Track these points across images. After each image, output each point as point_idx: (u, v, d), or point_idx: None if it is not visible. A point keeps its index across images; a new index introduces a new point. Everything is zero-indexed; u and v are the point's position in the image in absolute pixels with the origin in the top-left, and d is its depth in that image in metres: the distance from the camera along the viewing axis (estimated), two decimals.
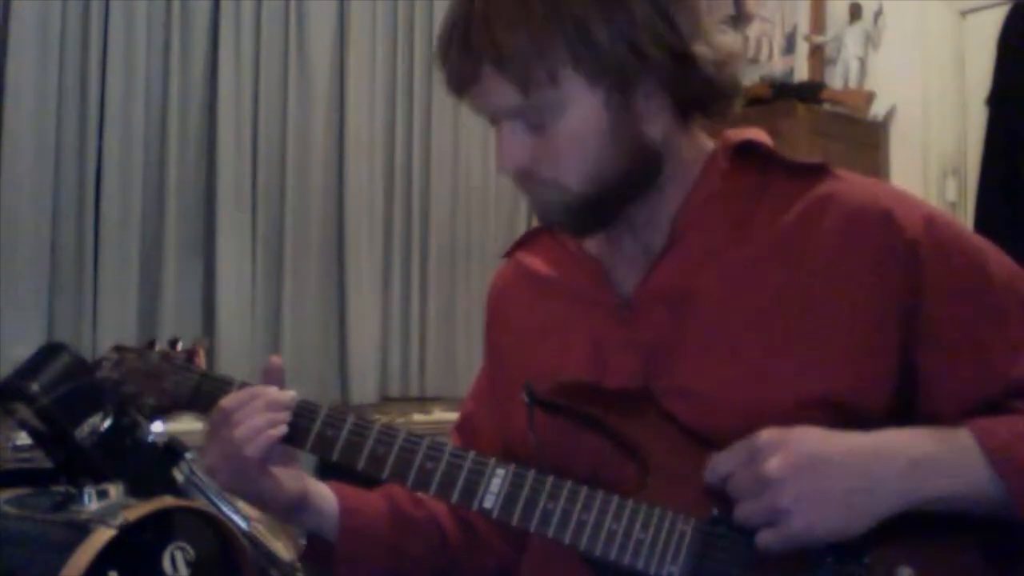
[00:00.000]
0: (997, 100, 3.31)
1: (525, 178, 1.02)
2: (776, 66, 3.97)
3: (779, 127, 3.27)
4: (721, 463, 0.93)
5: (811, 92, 3.66)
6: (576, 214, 1.02)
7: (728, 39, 1.01)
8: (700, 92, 1.02)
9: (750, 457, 0.91)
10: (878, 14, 3.83)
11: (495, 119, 1.01)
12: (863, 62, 3.83)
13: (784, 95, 3.55)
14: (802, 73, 3.96)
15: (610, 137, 0.99)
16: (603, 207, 1.02)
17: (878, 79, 3.82)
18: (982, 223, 3.25)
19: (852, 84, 3.84)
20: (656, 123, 1.01)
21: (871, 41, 3.84)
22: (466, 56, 0.96)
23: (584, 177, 1.00)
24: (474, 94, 0.99)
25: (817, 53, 3.96)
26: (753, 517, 0.91)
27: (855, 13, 3.86)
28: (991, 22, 3.39)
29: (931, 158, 3.71)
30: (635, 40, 0.95)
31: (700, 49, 0.98)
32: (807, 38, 3.97)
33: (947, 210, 3.36)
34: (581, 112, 0.97)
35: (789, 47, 4.00)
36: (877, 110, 3.78)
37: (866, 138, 3.73)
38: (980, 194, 3.39)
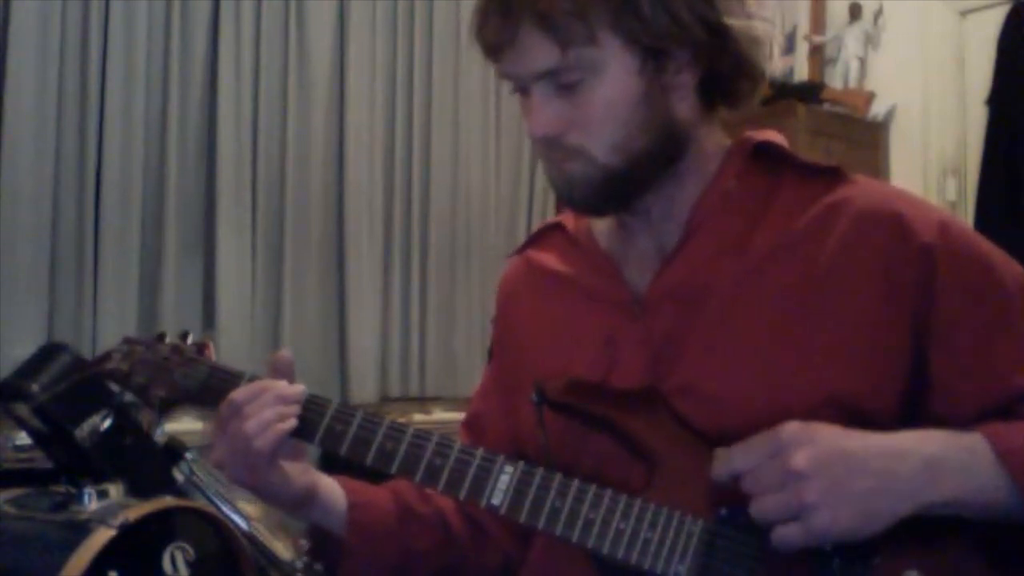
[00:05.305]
0: (997, 100, 3.32)
1: (553, 147, 1.02)
2: (776, 66, 3.97)
3: (779, 127, 3.25)
4: (737, 458, 0.92)
5: (811, 92, 3.67)
6: (599, 189, 1.02)
7: (756, 22, 1.02)
8: (728, 71, 1.02)
9: (774, 451, 0.90)
10: (878, 14, 3.84)
11: (527, 84, 1.01)
12: (863, 62, 3.84)
13: (784, 95, 3.55)
14: (802, 73, 3.97)
15: (641, 106, 1.00)
16: (626, 184, 1.02)
17: (878, 79, 3.83)
18: (982, 223, 3.25)
19: (852, 84, 3.84)
20: (684, 101, 1.02)
21: (871, 41, 3.84)
22: (506, 18, 0.97)
23: (612, 147, 1.00)
24: (510, 57, 1.00)
25: (817, 53, 3.96)
26: (773, 511, 0.89)
27: (855, 13, 3.87)
28: (991, 22, 3.39)
29: (931, 158, 3.72)
30: (674, 7, 0.96)
31: (733, 23, 1.00)
32: (807, 38, 3.97)
33: (947, 210, 3.36)
34: (616, 75, 0.98)
35: (789, 47, 4.00)
36: (877, 110, 3.79)
37: (866, 138, 3.74)
38: (980, 194, 3.39)
